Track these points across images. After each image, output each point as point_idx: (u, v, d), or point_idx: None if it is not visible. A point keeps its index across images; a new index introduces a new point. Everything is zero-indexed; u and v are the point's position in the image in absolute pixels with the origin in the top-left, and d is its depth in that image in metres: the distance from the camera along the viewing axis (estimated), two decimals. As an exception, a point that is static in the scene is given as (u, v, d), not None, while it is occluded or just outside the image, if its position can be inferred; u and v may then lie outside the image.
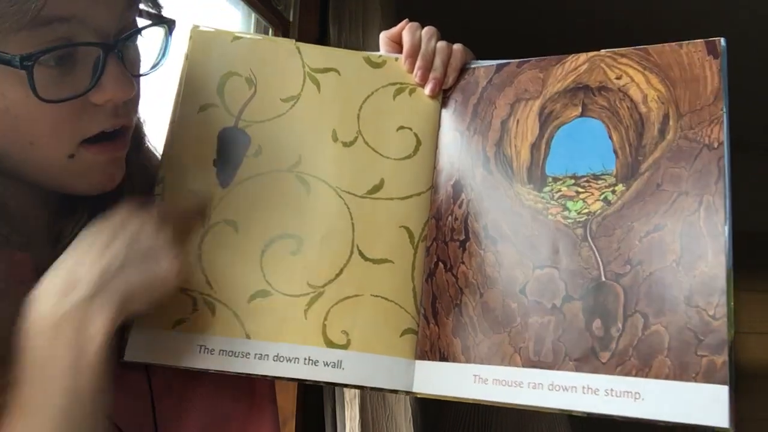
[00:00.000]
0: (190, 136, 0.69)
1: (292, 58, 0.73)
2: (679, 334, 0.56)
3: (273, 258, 0.66)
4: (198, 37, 0.72)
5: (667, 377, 0.56)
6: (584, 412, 0.58)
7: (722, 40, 0.63)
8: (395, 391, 0.66)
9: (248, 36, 0.73)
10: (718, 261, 0.56)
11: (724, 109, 0.60)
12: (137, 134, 0.68)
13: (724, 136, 0.59)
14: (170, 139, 0.69)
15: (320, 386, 1.46)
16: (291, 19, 1.70)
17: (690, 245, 0.58)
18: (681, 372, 0.55)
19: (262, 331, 0.64)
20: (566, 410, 0.59)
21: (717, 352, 0.55)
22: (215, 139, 0.69)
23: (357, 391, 1.41)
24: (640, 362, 0.57)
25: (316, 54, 0.73)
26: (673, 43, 0.65)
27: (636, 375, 0.57)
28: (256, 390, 0.69)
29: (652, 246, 0.59)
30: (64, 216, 0.62)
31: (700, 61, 0.63)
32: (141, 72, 0.62)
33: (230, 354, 0.62)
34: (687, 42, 0.64)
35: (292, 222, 0.67)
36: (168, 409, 0.63)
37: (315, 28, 1.73)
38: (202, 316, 0.63)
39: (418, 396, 0.66)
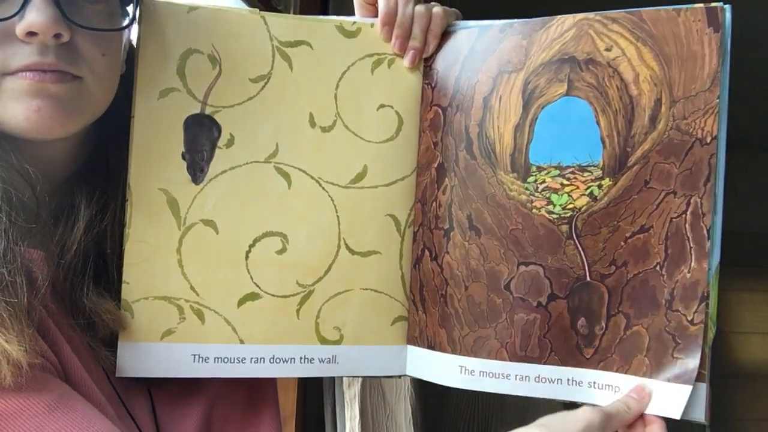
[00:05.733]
0: (152, 127, 0.64)
1: (258, 31, 0.67)
2: (659, 336, 0.57)
3: (259, 259, 0.66)
4: (150, 11, 0.64)
5: (644, 375, 0.57)
6: (568, 401, 0.61)
7: (726, 8, 0.56)
8: (390, 377, 0.69)
9: (206, 6, 0.66)
10: (701, 267, 0.55)
11: (720, 97, 0.55)
12: (119, 125, 0.64)
13: (717, 129, 0.55)
14: (132, 135, 0.64)
15: (320, 386, 1.50)
16: (290, 19, 1.59)
17: (674, 250, 0.56)
18: (657, 371, 0.57)
19: (256, 334, 0.65)
20: (552, 399, 0.62)
21: (691, 356, 0.56)
22: (181, 128, 0.64)
23: (357, 391, 1.43)
24: (621, 359, 0.59)
25: (284, 24, 0.67)
26: (670, 9, 0.58)
27: (617, 371, 0.59)
28: (253, 394, 0.70)
29: (638, 248, 0.58)
30: (61, 221, 0.61)
31: (699, 34, 0.57)
32: (93, 26, 0.57)
33: (226, 361, 0.64)
34: (685, 7, 0.58)
35: (275, 219, 0.66)
36: (169, 414, 0.65)
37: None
38: (191, 324, 0.64)
39: (411, 377, 0.69)
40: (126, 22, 0.62)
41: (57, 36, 0.55)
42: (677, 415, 0.55)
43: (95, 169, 0.65)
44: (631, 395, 0.58)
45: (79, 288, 0.60)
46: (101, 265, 0.63)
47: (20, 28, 0.54)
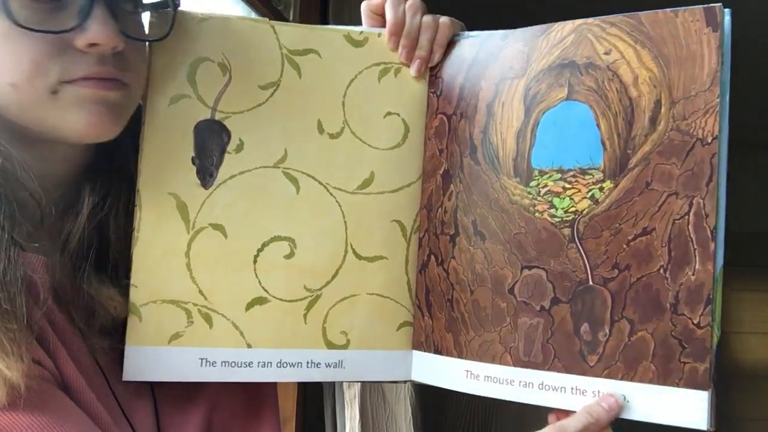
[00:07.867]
0: (163, 133, 0.65)
1: (267, 40, 0.68)
2: (664, 341, 0.56)
3: (267, 263, 0.67)
4: (161, 20, 0.66)
5: (651, 381, 0.57)
6: (573, 410, 0.60)
7: (724, 9, 0.56)
8: (395, 381, 0.69)
9: (217, 16, 0.68)
10: (705, 269, 0.55)
11: (721, 96, 0.55)
12: (128, 125, 0.65)
13: (718, 130, 0.55)
14: (143, 140, 0.65)
15: (320, 387, 1.50)
16: (291, 19, 1.67)
17: (678, 252, 0.56)
18: (665, 377, 0.56)
19: (263, 339, 0.66)
20: (556, 408, 0.61)
21: (699, 360, 0.55)
22: (191, 133, 0.66)
23: (357, 391, 1.43)
24: (626, 367, 0.58)
25: (293, 33, 0.69)
26: (668, 10, 0.58)
27: (622, 378, 0.58)
28: (253, 396, 0.71)
29: (640, 251, 0.57)
30: (68, 214, 0.63)
31: (697, 35, 0.57)
32: (138, 36, 0.61)
33: (233, 365, 0.65)
34: (683, 9, 0.58)
35: (283, 223, 0.67)
36: (171, 417, 0.65)
37: (315, 27, 1.72)
38: (199, 328, 0.65)
39: (417, 382, 0.69)
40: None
41: (114, 47, 0.58)
42: (703, 425, 0.54)
43: (100, 163, 0.66)
44: (600, 404, 0.57)
45: (81, 276, 0.61)
46: (103, 256, 0.64)
47: (83, 40, 0.56)
